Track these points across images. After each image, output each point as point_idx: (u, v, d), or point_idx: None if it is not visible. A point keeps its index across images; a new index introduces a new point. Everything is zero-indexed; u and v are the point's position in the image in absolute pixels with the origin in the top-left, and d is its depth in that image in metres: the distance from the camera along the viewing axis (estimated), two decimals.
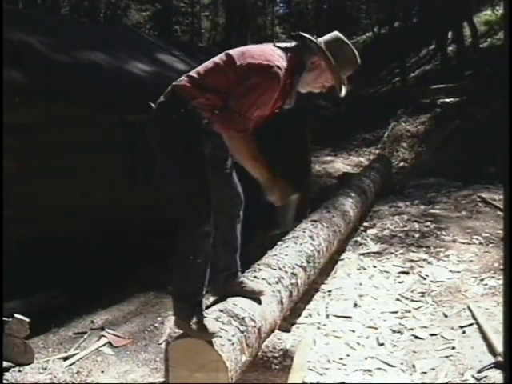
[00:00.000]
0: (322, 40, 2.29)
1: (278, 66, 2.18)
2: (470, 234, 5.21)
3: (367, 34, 27.70)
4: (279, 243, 3.63)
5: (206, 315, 2.22)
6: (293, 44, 2.34)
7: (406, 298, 3.89)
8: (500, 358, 2.74)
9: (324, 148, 14.42)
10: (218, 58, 2.30)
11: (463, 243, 4.99)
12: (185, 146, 2.22)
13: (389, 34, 22.42)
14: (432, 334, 3.28)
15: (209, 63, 2.33)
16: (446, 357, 2.97)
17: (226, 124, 2.18)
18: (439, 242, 5.07)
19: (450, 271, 4.32)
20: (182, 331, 2.22)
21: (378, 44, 23.57)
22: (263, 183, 2.25)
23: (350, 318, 3.63)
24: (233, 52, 2.29)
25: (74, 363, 3.39)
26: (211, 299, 2.71)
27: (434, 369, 2.87)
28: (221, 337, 2.14)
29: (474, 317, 3.38)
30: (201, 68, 2.32)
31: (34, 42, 6.25)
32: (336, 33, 2.34)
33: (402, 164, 12.05)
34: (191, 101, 2.21)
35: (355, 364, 3.00)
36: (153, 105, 2.31)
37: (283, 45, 2.33)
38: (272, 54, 2.23)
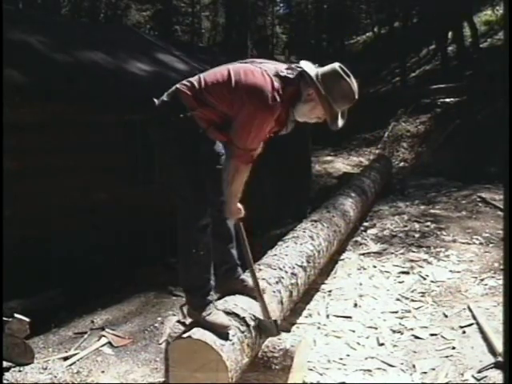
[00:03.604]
0: (320, 71, 2.27)
1: (273, 100, 2.20)
2: (470, 234, 5.21)
3: (367, 34, 27.71)
4: (279, 243, 3.63)
5: (217, 307, 2.34)
6: (294, 73, 2.30)
7: (406, 298, 3.89)
8: (500, 358, 2.74)
9: (324, 148, 14.40)
10: (220, 73, 2.32)
11: (463, 243, 4.99)
12: (183, 145, 2.31)
13: (389, 34, 22.42)
14: (432, 334, 3.28)
15: (212, 75, 2.34)
16: (446, 357, 2.97)
17: (234, 159, 2.27)
18: (439, 242, 5.08)
19: (450, 271, 4.32)
20: (193, 321, 2.32)
21: (378, 44, 23.57)
22: (227, 203, 2.38)
23: (350, 318, 3.63)
24: (233, 70, 2.30)
25: (74, 363, 3.38)
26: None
27: (434, 369, 2.87)
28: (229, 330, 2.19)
29: (474, 317, 3.38)
30: (203, 78, 2.33)
31: (34, 42, 6.25)
32: (336, 65, 2.29)
33: (402, 164, 12.04)
34: (190, 111, 2.27)
35: (355, 364, 3.00)
36: (156, 100, 2.36)
37: (284, 73, 2.30)
38: (269, 85, 2.22)
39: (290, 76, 2.30)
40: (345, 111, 2.32)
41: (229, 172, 2.31)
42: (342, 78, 2.25)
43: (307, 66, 2.30)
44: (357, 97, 2.29)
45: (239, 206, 2.42)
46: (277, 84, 2.24)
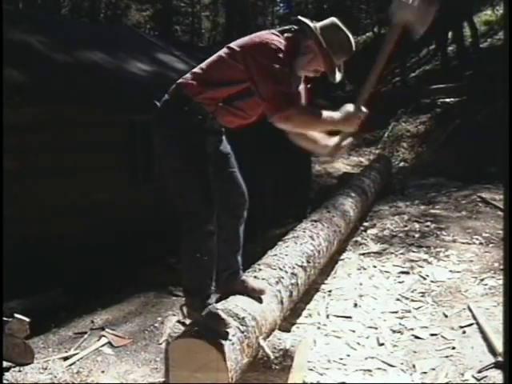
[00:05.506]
0: (317, 25, 2.31)
1: (275, 42, 2.23)
2: (470, 234, 5.21)
3: (367, 34, 27.70)
4: (279, 243, 3.63)
5: (216, 307, 2.31)
6: (290, 28, 2.37)
7: (406, 298, 3.89)
8: (500, 358, 2.73)
9: None
10: (221, 52, 2.34)
11: (463, 243, 4.98)
12: (188, 144, 2.25)
13: None
14: (432, 334, 3.28)
15: (212, 58, 2.37)
16: (446, 357, 2.97)
17: (277, 112, 2.18)
18: (439, 242, 5.07)
19: (450, 271, 4.32)
20: (193, 321, 2.31)
21: (378, 44, 23.54)
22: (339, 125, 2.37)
23: (350, 318, 3.63)
24: (233, 43, 2.34)
25: (74, 363, 3.38)
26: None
27: (434, 369, 2.87)
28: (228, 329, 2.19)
29: (474, 317, 3.38)
30: (204, 64, 2.36)
31: (34, 42, 6.25)
32: (333, 18, 2.35)
33: (402, 164, 12.04)
34: (194, 97, 2.25)
35: (355, 364, 3.00)
36: (157, 103, 2.34)
37: (280, 29, 2.37)
38: (270, 35, 2.27)
39: (286, 28, 2.35)
40: (341, 65, 2.35)
41: (294, 127, 2.30)
42: (341, 30, 2.30)
43: (305, 20, 2.33)
44: (354, 49, 2.34)
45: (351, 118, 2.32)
46: (276, 36, 2.28)
